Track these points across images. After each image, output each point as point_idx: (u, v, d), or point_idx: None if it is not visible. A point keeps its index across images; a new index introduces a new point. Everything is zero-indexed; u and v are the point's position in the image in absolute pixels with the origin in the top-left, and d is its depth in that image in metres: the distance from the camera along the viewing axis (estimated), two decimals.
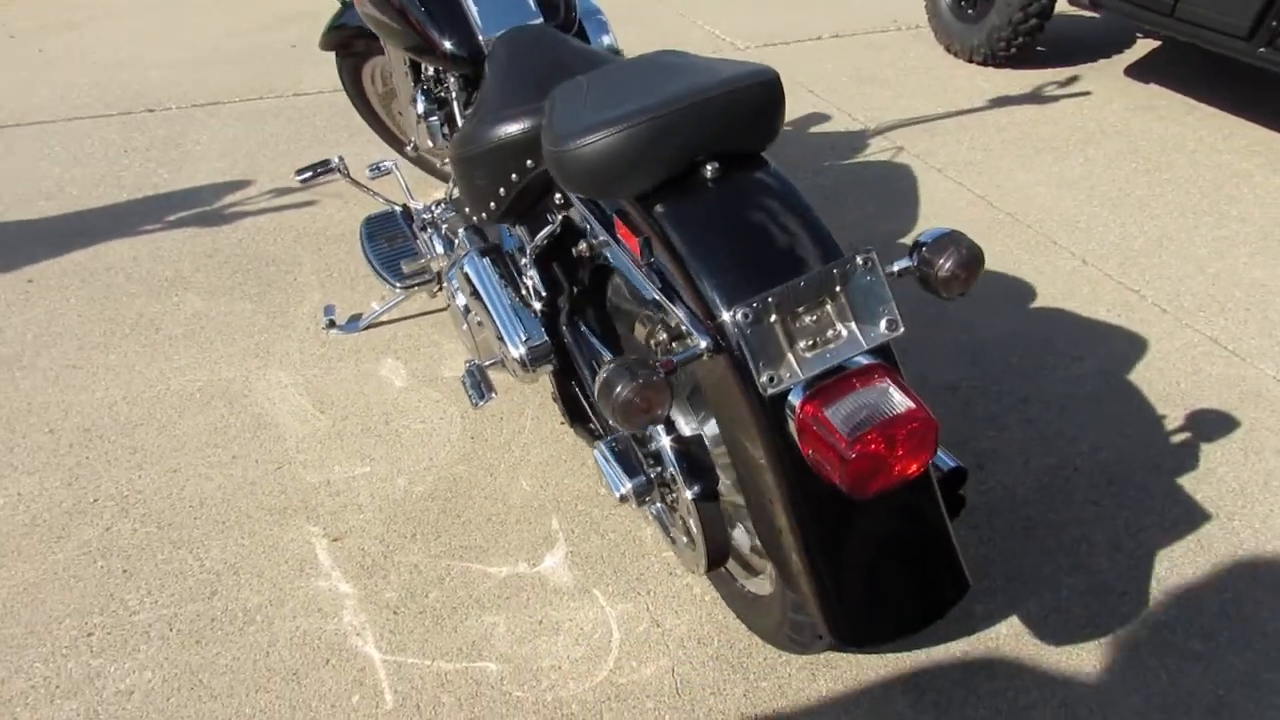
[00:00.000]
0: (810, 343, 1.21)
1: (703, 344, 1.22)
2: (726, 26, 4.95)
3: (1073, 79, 4.22)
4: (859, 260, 1.22)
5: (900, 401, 1.16)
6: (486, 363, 1.87)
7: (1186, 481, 2.06)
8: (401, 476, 2.12)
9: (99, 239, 3.02)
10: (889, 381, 1.19)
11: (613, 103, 1.36)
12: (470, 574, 1.90)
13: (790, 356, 1.20)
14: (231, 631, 1.79)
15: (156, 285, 2.79)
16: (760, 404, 1.22)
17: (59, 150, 3.60)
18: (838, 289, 1.22)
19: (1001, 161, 3.47)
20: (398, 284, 2.39)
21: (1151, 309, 2.63)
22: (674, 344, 1.51)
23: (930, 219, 3.11)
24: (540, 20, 2.03)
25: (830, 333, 1.22)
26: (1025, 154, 3.52)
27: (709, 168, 1.32)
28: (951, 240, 1.28)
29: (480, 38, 2.02)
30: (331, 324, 2.55)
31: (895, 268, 1.31)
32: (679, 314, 1.28)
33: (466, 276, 1.87)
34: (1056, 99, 4.00)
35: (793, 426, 1.21)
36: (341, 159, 2.41)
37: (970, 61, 4.40)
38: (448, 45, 2.03)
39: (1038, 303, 2.70)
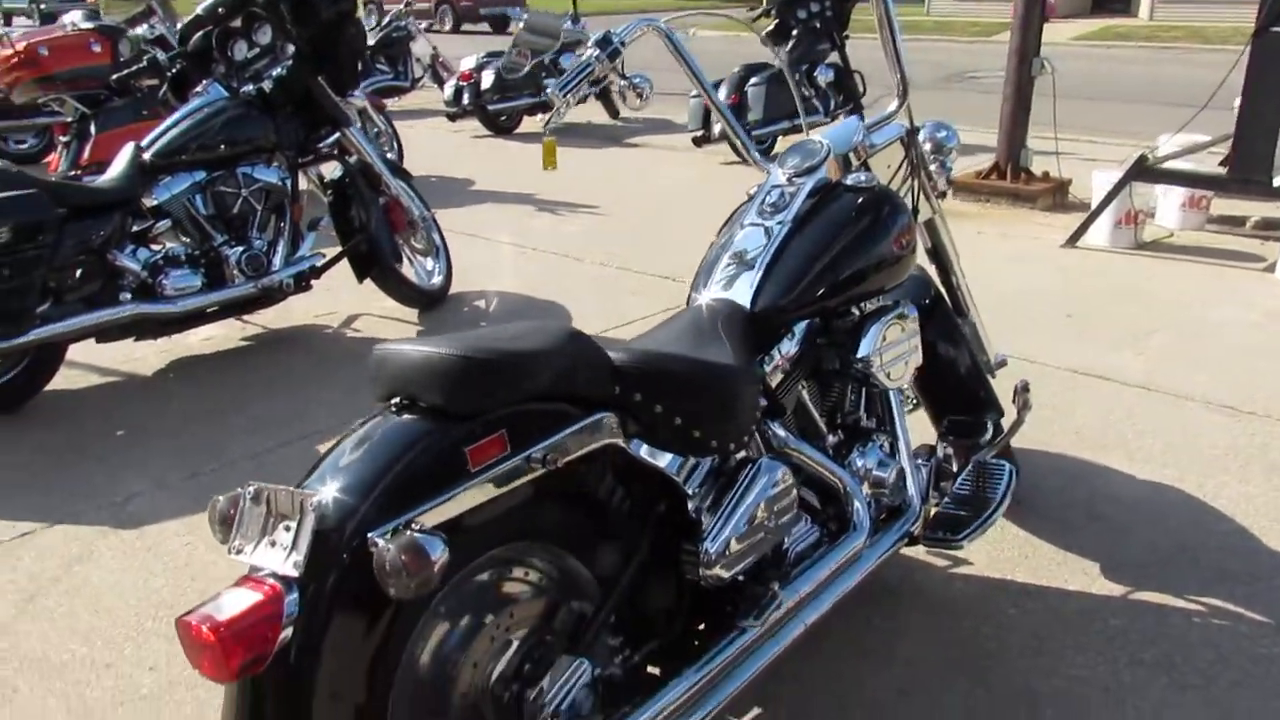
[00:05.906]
0: (271, 541, 1.38)
1: None
2: None
3: None
4: (304, 499, 1.36)
5: (216, 610, 1.29)
6: None
7: None
8: None
9: None
10: (248, 596, 1.32)
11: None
12: None
13: (263, 540, 1.39)
14: None
15: None
16: None
17: None
18: (296, 510, 1.38)
19: None
20: None
21: None
22: None
23: None
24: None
25: (278, 532, 1.38)
26: None
27: (394, 400, 1.56)
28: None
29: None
30: None
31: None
32: None
33: None
34: None
35: None
36: None
37: None
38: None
39: None
